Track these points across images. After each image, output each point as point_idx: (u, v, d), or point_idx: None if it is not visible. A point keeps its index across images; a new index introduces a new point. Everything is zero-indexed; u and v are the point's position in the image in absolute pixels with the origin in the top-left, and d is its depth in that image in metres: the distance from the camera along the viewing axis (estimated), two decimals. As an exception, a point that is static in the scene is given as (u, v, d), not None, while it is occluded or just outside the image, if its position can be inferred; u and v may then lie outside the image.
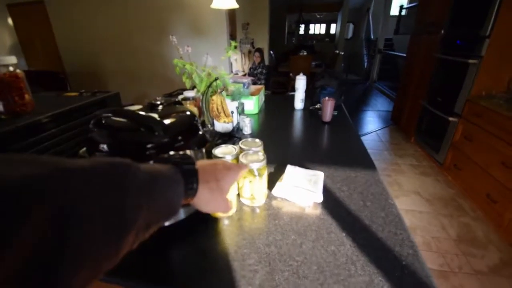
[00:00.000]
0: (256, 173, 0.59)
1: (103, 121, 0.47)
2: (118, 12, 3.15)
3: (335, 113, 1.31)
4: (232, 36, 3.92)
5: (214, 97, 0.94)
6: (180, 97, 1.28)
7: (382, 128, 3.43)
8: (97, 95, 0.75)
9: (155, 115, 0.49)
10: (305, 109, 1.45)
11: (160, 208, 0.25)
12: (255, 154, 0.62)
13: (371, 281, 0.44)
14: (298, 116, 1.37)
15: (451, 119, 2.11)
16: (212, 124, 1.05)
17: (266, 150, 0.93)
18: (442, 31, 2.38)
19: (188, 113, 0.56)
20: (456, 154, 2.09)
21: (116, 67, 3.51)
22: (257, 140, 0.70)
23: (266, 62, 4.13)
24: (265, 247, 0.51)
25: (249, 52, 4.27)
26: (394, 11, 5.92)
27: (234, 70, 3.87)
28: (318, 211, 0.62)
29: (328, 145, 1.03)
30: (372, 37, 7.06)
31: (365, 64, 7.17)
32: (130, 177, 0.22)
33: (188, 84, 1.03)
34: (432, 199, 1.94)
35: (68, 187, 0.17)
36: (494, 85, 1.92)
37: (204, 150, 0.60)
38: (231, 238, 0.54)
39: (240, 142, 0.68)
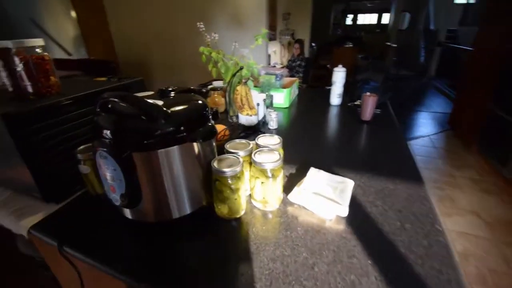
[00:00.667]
0: (269, 174, 0.51)
1: (109, 106, 0.44)
2: (165, 2, 3.28)
3: (378, 111, 1.14)
4: (272, 27, 3.80)
5: (238, 88, 0.87)
6: (209, 87, 1.26)
7: (437, 133, 3.00)
8: (123, 81, 0.74)
9: (160, 102, 0.44)
10: (343, 105, 1.30)
11: None
12: (270, 153, 0.54)
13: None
14: (333, 113, 1.23)
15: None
16: (237, 116, 0.99)
17: (290, 148, 0.84)
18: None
19: (199, 102, 0.50)
20: (533, 171, 1.70)
21: (161, 58, 3.70)
22: (276, 136, 0.61)
23: (306, 55, 3.92)
24: (269, 261, 0.44)
25: (289, 44, 4.11)
26: (464, -2, 5.10)
27: (272, 63, 3.77)
28: (341, 227, 0.52)
29: (364, 148, 0.89)
30: (432, 27, 6.22)
31: (422, 58, 6.38)
32: None
33: (214, 73, 0.98)
34: (493, 223, 1.62)
35: None
36: None
37: (214, 143, 0.54)
38: (233, 244, 0.48)
39: (257, 138, 0.60)
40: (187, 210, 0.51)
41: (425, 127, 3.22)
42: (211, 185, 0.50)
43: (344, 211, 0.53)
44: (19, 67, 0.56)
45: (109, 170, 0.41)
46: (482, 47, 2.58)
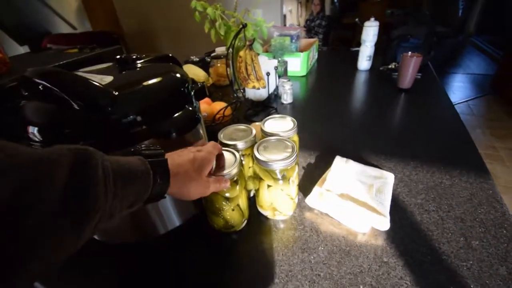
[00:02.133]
0: (278, 176, 0.37)
1: (40, 88, 0.30)
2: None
3: (418, 76, 0.92)
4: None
5: (241, 53, 0.69)
6: (212, 54, 1.07)
7: (476, 97, 2.62)
8: (95, 51, 0.58)
9: (109, 79, 0.29)
10: (373, 70, 1.07)
11: (125, 199, 0.23)
12: (280, 144, 0.38)
13: None
14: (362, 81, 1.02)
15: None
16: (244, 90, 0.82)
17: (309, 129, 0.67)
18: None
19: (176, 75, 0.35)
20: None
21: (165, 26, 3.44)
22: (289, 118, 0.45)
23: (327, 12, 3.47)
24: (279, 305, 0.31)
25: (307, 1, 3.63)
26: None
27: (288, 24, 3.38)
28: (379, 244, 0.37)
29: (405, 127, 0.70)
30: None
31: (460, 11, 5.50)
32: (93, 166, 0.20)
33: (213, 36, 0.80)
34: (545, 201, 1.40)
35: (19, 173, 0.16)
36: None
37: (202, 131, 0.39)
38: (230, 274, 0.35)
39: (263, 121, 0.45)
40: (176, 222, 0.39)
41: (462, 92, 2.83)
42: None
43: (385, 224, 0.38)
44: None
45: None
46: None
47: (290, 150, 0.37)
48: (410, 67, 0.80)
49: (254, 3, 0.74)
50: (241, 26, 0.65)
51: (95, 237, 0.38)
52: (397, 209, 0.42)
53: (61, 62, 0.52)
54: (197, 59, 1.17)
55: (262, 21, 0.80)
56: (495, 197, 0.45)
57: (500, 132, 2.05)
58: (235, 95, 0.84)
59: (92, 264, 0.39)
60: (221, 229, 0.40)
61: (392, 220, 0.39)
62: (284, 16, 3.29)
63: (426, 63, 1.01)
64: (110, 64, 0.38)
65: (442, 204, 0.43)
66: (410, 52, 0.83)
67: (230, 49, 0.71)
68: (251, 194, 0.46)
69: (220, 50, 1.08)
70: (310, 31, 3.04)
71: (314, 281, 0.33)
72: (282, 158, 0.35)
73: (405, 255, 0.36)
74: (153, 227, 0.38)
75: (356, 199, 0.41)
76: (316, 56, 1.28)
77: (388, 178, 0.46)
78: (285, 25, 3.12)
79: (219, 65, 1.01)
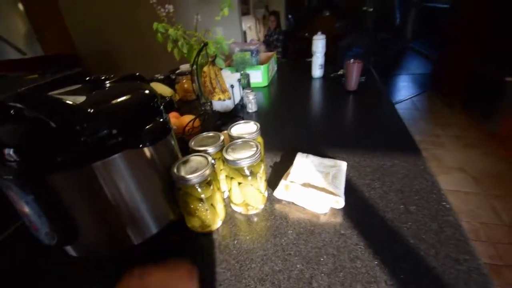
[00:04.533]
0: (247, 173, 0.42)
1: (12, 112, 0.32)
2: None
3: (362, 79, 1.05)
4: (245, 1, 3.53)
5: (205, 69, 0.75)
6: (177, 71, 1.11)
7: (418, 94, 2.98)
8: (56, 75, 0.58)
9: (81, 99, 0.32)
10: (326, 77, 1.20)
11: None
12: (246, 145, 0.44)
13: None
14: (316, 86, 1.13)
15: (508, 79, 1.70)
16: (211, 103, 0.87)
17: (273, 133, 0.74)
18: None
19: (144, 91, 0.39)
20: (516, 122, 1.72)
21: (129, 45, 3.37)
22: (253, 122, 0.51)
23: (284, 27, 3.72)
24: (257, 283, 0.35)
25: (264, 17, 3.86)
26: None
27: (249, 39, 3.54)
28: (338, 221, 0.44)
29: (353, 122, 0.81)
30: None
31: (398, 20, 6.26)
32: None
33: (177, 54, 0.84)
34: (480, 177, 1.64)
35: None
36: None
37: (173, 142, 0.43)
38: (212, 265, 0.39)
39: (230, 128, 0.50)
40: (153, 230, 0.41)
41: (406, 90, 3.20)
42: (176, 195, 0.40)
43: (340, 202, 0.45)
44: None
45: (22, 203, 0.30)
46: (462, 3, 2.49)
47: (254, 149, 0.42)
48: (353, 72, 0.93)
49: (214, 22, 0.80)
50: (202, 44, 0.71)
51: (72, 253, 0.39)
52: (350, 190, 0.50)
53: (23, 88, 0.53)
54: (162, 77, 1.20)
55: (222, 39, 0.87)
56: (426, 171, 0.55)
57: (440, 121, 2.35)
58: (202, 108, 0.89)
59: (68, 283, 0.39)
60: (197, 229, 0.43)
61: (346, 200, 0.46)
62: (245, 32, 3.45)
63: (368, 68, 1.16)
64: (79, 85, 0.40)
65: (385, 182, 0.52)
66: (352, 60, 0.96)
67: (194, 66, 0.76)
68: (225, 196, 0.50)
69: (184, 67, 1.12)
70: (269, 45, 3.22)
71: (286, 259, 0.38)
72: (248, 156, 0.40)
73: (359, 226, 0.43)
74: (128, 236, 0.39)
75: (316, 186, 0.48)
76: (275, 68, 1.39)
77: (341, 166, 0.54)
78: (246, 40, 3.27)
79: (184, 81, 1.05)
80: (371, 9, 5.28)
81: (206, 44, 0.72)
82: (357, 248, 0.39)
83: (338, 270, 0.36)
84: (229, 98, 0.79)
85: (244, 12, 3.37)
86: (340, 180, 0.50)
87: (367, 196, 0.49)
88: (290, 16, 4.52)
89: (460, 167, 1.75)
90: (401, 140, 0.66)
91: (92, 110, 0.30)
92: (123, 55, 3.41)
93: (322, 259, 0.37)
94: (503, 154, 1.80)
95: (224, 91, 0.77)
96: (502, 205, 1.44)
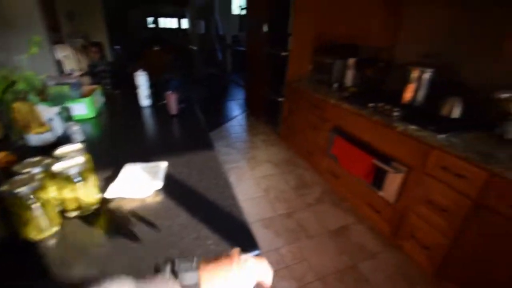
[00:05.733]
0: (76, 179, 0.56)
1: None
2: None
3: (183, 105, 1.39)
4: (56, 28, 3.11)
5: (15, 106, 0.76)
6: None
7: (240, 115, 3.94)
8: None
9: None
10: (154, 105, 1.44)
11: None
12: (71, 159, 0.58)
13: (198, 237, 0.55)
14: (146, 113, 1.34)
15: (280, 99, 2.75)
16: (24, 138, 0.85)
17: (104, 156, 0.88)
18: (264, 29, 2.97)
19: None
20: (286, 125, 2.77)
21: None
22: (78, 143, 0.65)
23: (110, 58, 3.62)
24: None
25: (84, 47, 3.56)
26: (237, 10, 6.72)
27: (66, 70, 3.12)
28: (159, 198, 0.67)
29: (175, 136, 1.10)
30: (221, 33, 7.70)
31: (220, 58, 7.79)
32: None
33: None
34: (278, 163, 2.50)
35: None
36: (301, 70, 2.66)
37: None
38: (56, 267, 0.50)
39: (55, 151, 0.61)
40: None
41: (234, 112, 4.12)
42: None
43: (158, 184, 0.69)
44: None
45: None
46: (252, 48, 3.62)
47: (81, 158, 0.57)
48: (171, 101, 1.23)
49: (17, 51, 0.80)
50: (10, 82, 0.72)
51: None
52: (170, 178, 0.75)
53: None
54: None
55: (31, 75, 0.88)
56: (215, 156, 0.90)
57: (254, 131, 3.26)
58: (15, 145, 0.84)
59: None
60: (34, 236, 0.51)
61: (166, 183, 0.70)
62: (58, 62, 3.02)
63: (188, 96, 1.53)
64: None
65: (191, 166, 0.82)
66: (170, 91, 1.26)
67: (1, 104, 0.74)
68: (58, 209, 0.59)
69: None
70: (95, 76, 3.04)
71: (126, 245, 0.56)
72: (75, 164, 0.55)
73: (174, 199, 0.68)
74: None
75: (139, 180, 0.69)
76: (103, 99, 1.45)
77: (161, 165, 0.78)
78: (63, 70, 2.88)
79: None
80: (195, 48, 6.24)
81: (12, 85, 0.74)
82: (177, 213, 0.63)
83: (158, 219, 0.59)
84: (49, 131, 0.83)
85: (57, 41, 2.98)
86: (160, 173, 0.74)
87: (178, 177, 0.76)
88: (117, 47, 4.43)
89: (268, 160, 2.56)
90: (204, 142, 1.01)
91: None
92: None
93: (147, 217, 0.59)
94: (286, 147, 2.82)
95: (41, 124, 0.81)
96: (290, 176, 2.28)
